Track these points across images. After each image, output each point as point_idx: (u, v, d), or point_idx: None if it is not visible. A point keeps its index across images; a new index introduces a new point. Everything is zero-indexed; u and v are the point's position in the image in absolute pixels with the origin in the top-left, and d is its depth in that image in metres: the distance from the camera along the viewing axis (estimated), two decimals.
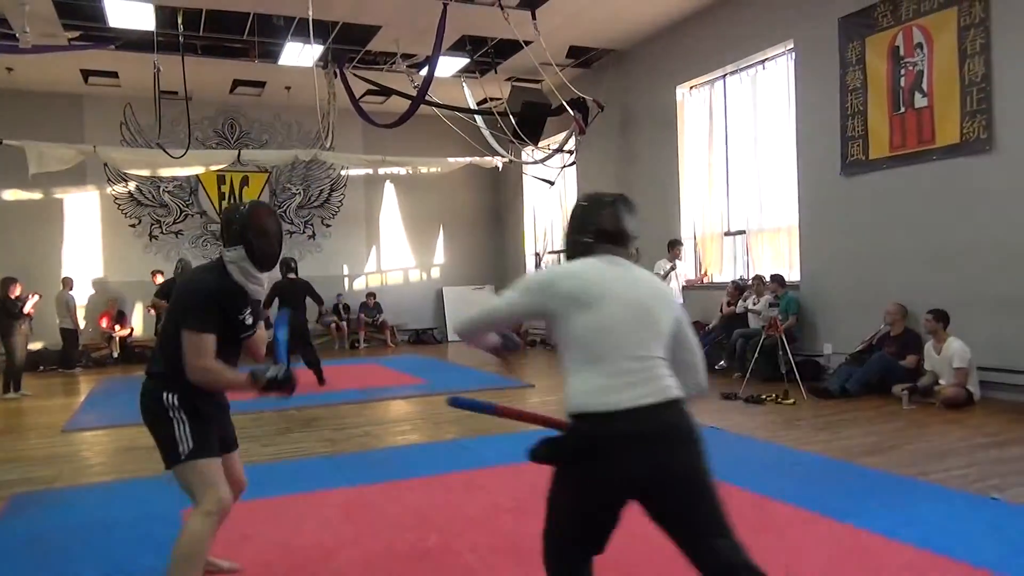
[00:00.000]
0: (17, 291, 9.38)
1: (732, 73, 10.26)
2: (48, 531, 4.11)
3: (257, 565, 3.52)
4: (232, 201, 14.63)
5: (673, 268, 9.94)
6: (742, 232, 10.34)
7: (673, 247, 10.13)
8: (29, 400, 9.30)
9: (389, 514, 4.23)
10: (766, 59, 9.66)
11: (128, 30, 9.98)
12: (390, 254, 16.06)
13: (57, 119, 12.97)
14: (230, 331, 2.95)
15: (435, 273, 16.45)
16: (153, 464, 5.58)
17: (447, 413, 7.49)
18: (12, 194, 13.11)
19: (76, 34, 10.22)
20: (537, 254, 15.78)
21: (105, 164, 12.93)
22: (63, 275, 12.43)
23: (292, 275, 9.43)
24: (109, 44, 10.24)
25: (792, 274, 9.28)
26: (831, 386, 7.67)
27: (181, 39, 9.91)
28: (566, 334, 2.31)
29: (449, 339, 15.71)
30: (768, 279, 9.22)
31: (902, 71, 7.79)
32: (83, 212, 13.67)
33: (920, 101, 7.64)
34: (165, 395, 2.87)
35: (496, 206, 16.94)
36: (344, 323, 14.74)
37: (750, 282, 9.64)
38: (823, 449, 5.50)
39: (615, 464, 2.15)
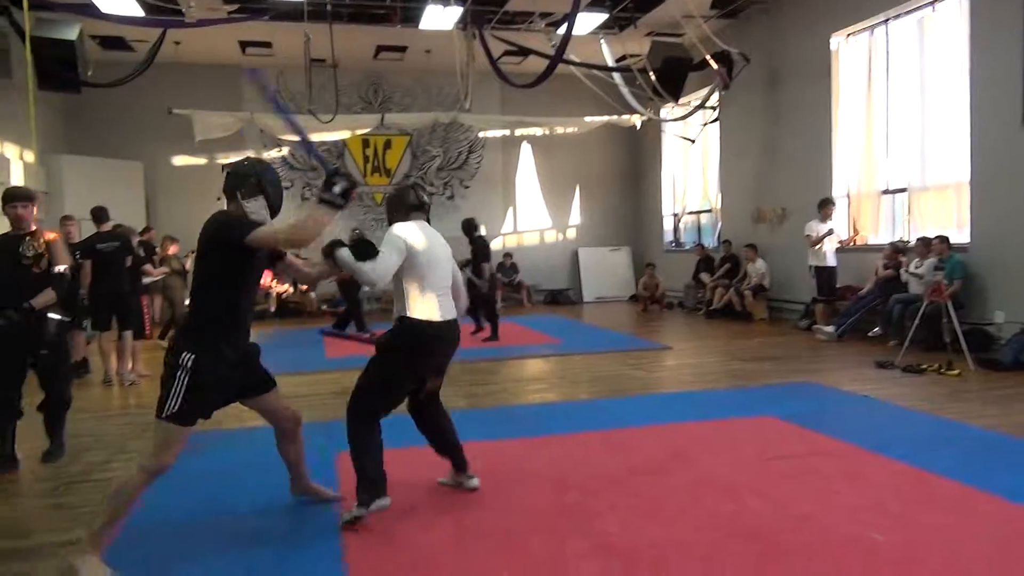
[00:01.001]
0: (175, 249, 10.06)
1: (896, 18, 9.44)
2: (217, 467, 4.47)
3: (403, 507, 3.66)
4: (376, 164, 15.18)
5: (831, 232, 9.42)
6: (902, 190, 9.58)
7: (824, 206, 9.57)
8: None
9: (527, 469, 4.29)
10: (936, 0, 8.81)
11: (281, 1, 10.45)
12: (526, 215, 16.16)
13: (218, 89, 13.87)
14: (248, 263, 3.31)
15: (571, 234, 16.40)
16: (308, 411, 5.94)
17: (583, 373, 7.50)
18: (181, 160, 14.21)
19: (235, 7, 10.83)
20: (675, 214, 15.38)
21: (261, 130, 13.73)
22: None
23: (479, 235, 9.77)
24: (264, 15, 10.78)
25: (960, 235, 8.52)
26: (1003, 357, 7.04)
27: (329, 7, 10.27)
28: (411, 270, 3.56)
29: (584, 300, 15.70)
30: (933, 240, 8.52)
31: None
32: None
33: None
34: (184, 355, 3.12)
35: (633, 166, 16.61)
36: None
37: (911, 244, 8.95)
38: (993, 424, 5.06)
39: (435, 353, 3.67)
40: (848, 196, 10.41)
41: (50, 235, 4.78)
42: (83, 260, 7.36)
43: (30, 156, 11.24)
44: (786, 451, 4.50)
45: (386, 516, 3.55)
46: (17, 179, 10.88)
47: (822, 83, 10.51)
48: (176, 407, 3.08)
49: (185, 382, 3.09)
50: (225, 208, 3.40)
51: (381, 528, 3.41)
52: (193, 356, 3.12)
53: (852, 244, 10.27)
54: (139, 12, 10.28)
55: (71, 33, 9.86)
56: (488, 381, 7.13)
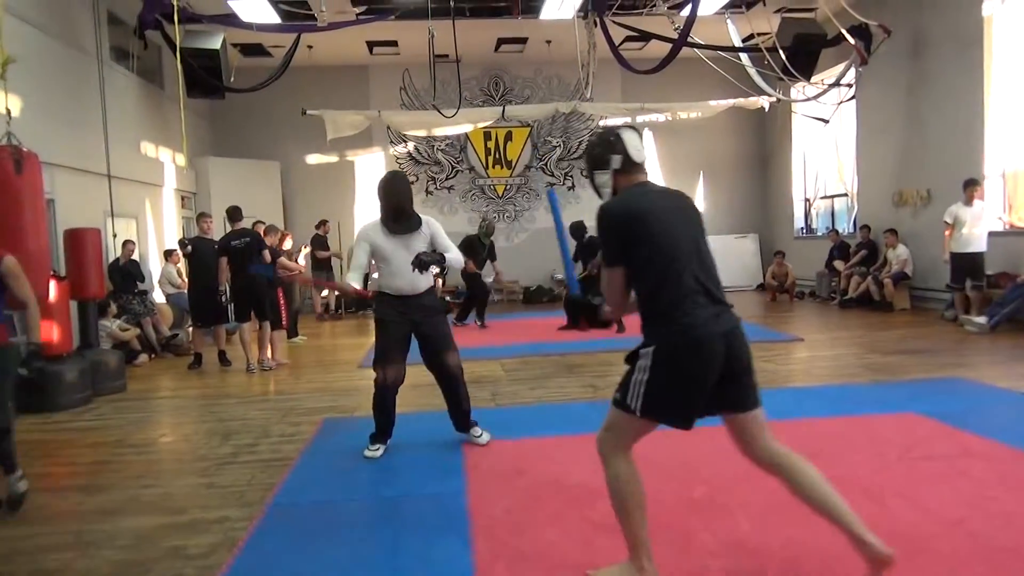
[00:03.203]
0: (288, 243, 10.41)
1: None
2: (353, 451, 4.68)
3: (529, 499, 3.71)
4: (497, 156, 15.37)
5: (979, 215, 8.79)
6: None
7: (969, 187, 8.87)
8: (332, 339, 10.63)
9: (655, 462, 4.20)
10: None
11: (406, 0, 10.75)
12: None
13: (347, 89, 14.49)
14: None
15: None
16: (436, 400, 6.11)
17: None
18: (314, 158, 14.92)
19: (362, 8, 11.24)
20: (807, 199, 14.69)
21: (388, 127, 14.22)
22: (357, 230, 13.93)
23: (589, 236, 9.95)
24: (390, 15, 11.14)
25: None
26: None
27: (452, 3, 10.45)
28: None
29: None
30: None
31: None
32: (371, 172, 15.17)
33: None
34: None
35: (761, 150, 15.99)
36: None
37: None
38: None
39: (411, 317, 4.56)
40: (1003, 175, 9.58)
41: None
42: (219, 258, 7.92)
43: (181, 160, 12.15)
44: (933, 451, 4.20)
45: (514, 508, 3.61)
46: (170, 181, 11.80)
47: (972, 53, 9.70)
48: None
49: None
50: None
51: (509, 520, 3.46)
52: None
53: (1009, 227, 9.45)
54: (276, 19, 10.86)
55: (215, 42, 10.58)
56: (612, 372, 7.07)
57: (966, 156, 9.79)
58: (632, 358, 2.68)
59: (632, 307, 2.74)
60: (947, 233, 8.93)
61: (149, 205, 11.04)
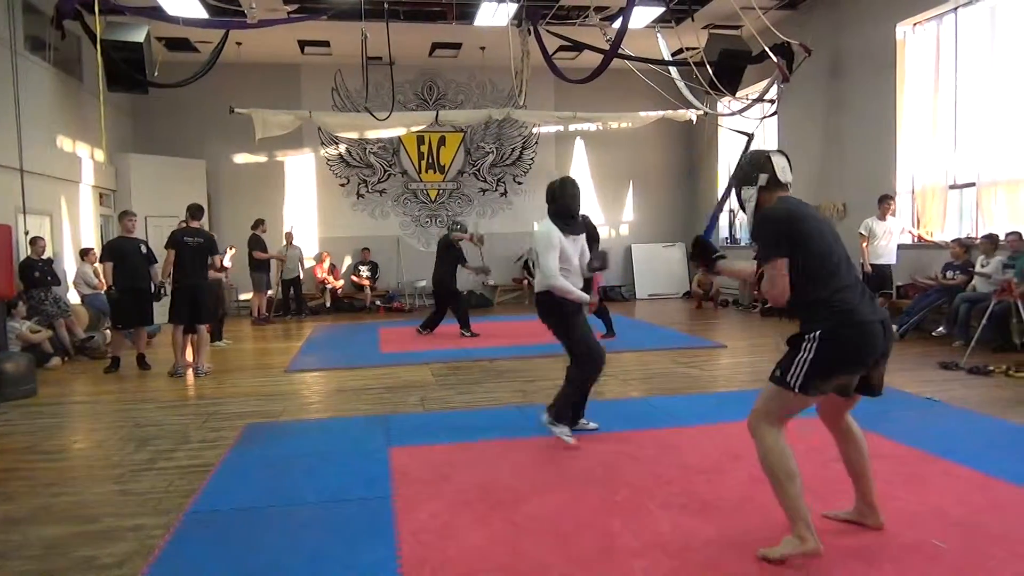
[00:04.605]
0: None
1: (965, 5, 9.10)
2: (276, 457, 4.60)
3: (457, 503, 3.71)
4: (431, 161, 15.33)
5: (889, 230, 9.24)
6: (971, 185, 9.25)
7: (883, 202, 9.30)
8: (258, 342, 10.39)
9: (579, 466, 4.30)
10: None
11: (339, 0, 10.63)
12: (580, 211, 16.07)
13: (277, 88, 14.21)
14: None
15: (624, 230, 16.28)
16: (362, 404, 6.03)
17: (636, 371, 7.46)
18: (242, 158, 14.58)
19: (294, 7, 11.06)
20: (732, 211, 15.13)
21: (319, 128, 14.02)
22: (286, 230, 13.68)
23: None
24: (322, 15, 10.98)
25: None
26: None
27: (386, 6, 10.39)
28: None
29: (637, 296, 15.59)
30: (1004, 237, 8.21)
31: None
32: (300, 173, 14.92)
33: None
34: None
35: (688, 161, 16.40)
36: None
37: (977, 240, 8.64)
38: None
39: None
40: (912, 191, 10.10)
41: None
42: (168, 250, 7.68)
43: (100, 155, 11.69)
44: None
45: (441, 512, 3.60)
46: (88, 177, 11.34)
47: (886, 74, 10.21)
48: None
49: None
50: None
51: (436, 524, 3.46)
52: None
53: (918, 240, 9.96)
54: (203, 14, 10.58)
55: (139, 35, 10.22)
56: (541, 377, 7.14)
57: (879, 172, 10.28)
58: (795, 340, 2.97)
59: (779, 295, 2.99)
60: (863, 246, 9.34)
61: (65, 202, 10.59)
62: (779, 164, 3.13)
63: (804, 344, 2.92)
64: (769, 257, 2.98)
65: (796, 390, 2.92)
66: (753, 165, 3.17)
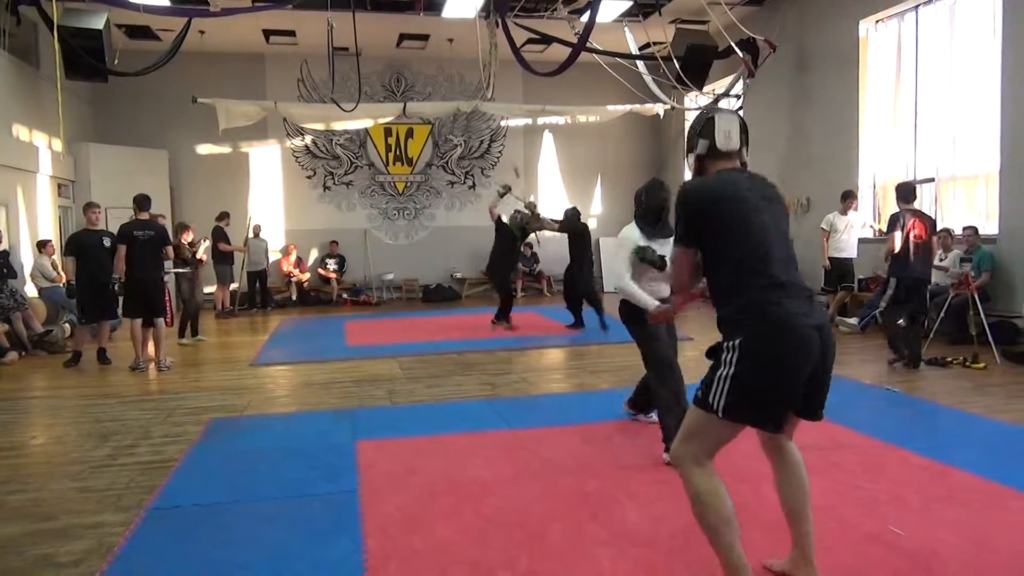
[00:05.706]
0: (190, 237, 9.68)
1: (927, 3, 9.27)
2: (240, 452, 4.54)
3: (424, 496, 3.69)
4: (398, 153, 15.21)
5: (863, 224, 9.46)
6: (930, 180, 9.44)
7: (846, 199, 9.45)
8: (222, 336, 10.24)
9: (547, 458, 4.31)
10: None
11: None
12: (547, 204, 16.08)
13: (241, 77, 13.97)
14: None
15: (592, 223, 16.29)
16: (329, 398, 5.98)
17: (601, 363, 7.49)
18: (206, 148, 14.33)
19: None
20: None
21: (284, 119, 13.82)
22: (253, 223, 13.48)
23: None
24: (287, 3, 10.79)
25: (988, 226, 8.38)
26: None
27: None
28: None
29: (605, 290, 15.64)
30: (959, 231, 8.40)
31: None
32: (265, 164, 14.70)
33: None
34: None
35: (656, 155, 16.50)
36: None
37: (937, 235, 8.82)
38: (1018, 418, 5.00)
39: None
40: (874, 186, 10.27)
41: None
42: (119, 245, 7.50)
43: (58, 145, 11.41)
44: (808, 443, 4.42)
45: (407, 505, 3.59)
46: (46, 167, 11.06)
47: (849, 71, 10.36)
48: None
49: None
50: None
51: (402, 518, 3.44)
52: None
53: (879, 234, 10.13)
54: (164, 1, 10.35)
55: (98, 22, 9.97)
56: (508, 370, 7.14)
57: (842, 168, 10.44)
58: (714, 352, 2.47)
59: (692, 295, 2.81)
60: (824, 240, 9.48)
61: (21, 192, 10.31)
62: (722, 128, 2.60)
63: (723, 356, 2.42)
64: (676, 245, 2.60)
65: (720, 414, 2.40)
66: (695, 129, 2.68)
